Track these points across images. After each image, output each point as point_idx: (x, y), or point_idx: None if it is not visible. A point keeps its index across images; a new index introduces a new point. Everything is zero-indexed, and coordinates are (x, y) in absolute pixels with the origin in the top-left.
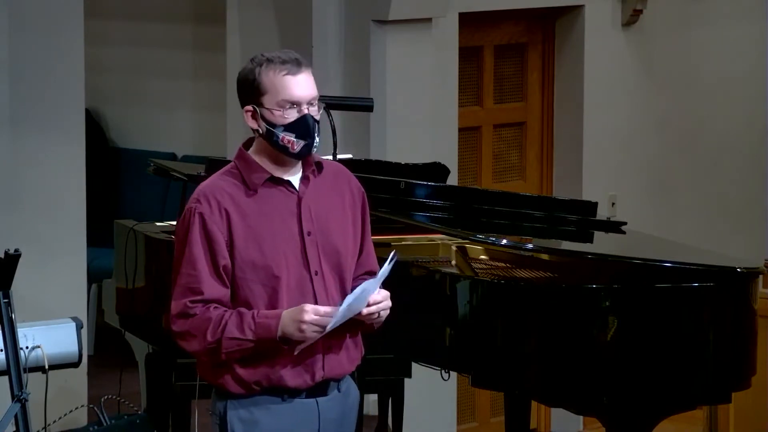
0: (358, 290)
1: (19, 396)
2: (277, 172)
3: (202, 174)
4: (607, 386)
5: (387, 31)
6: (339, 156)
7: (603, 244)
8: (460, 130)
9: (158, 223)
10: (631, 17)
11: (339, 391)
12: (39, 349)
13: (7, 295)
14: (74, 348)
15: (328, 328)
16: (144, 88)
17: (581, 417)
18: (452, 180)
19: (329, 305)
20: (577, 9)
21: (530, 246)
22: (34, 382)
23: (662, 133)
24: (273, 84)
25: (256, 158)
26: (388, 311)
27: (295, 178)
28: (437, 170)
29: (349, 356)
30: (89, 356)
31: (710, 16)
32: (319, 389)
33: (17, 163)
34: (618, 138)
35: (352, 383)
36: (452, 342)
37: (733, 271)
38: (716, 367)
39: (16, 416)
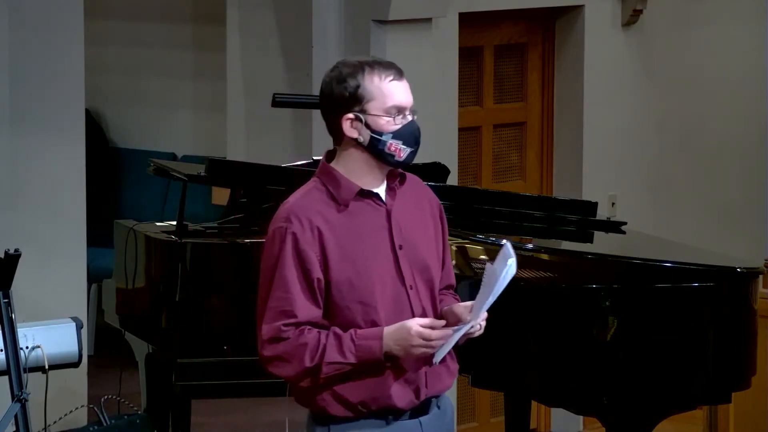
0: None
1: (19, 396)
2: (366, 185)
3: (202, 174)
4: (607, 386)
5: (387, 31)
6: None
7: (603, 244)
8: (460, 130)
9: (158, 223)
10: (631, 17)
11: (438, 408)
12: (39, 349)
13: (7, 295)
14: (74, 348)
15: (439, 355)
16: (144, 88)
17: (581, 417)
18: (452, 180)
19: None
20: (577, 9)
21: (530, 246)
22: (34, 382)
23: (662, 133)
24: (381, 90)
25: (343, 171)
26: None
27: (380, 190)
28: (437, 170)
29: (449, 371)
30: (89, 356)
31: (710, 16)
32: (421, 408)
33: (17, 163)
34: (618, 138)
35: (447, 397)
36: None
37: (733, 271)
38: (716, 367)
39: (16, 416)
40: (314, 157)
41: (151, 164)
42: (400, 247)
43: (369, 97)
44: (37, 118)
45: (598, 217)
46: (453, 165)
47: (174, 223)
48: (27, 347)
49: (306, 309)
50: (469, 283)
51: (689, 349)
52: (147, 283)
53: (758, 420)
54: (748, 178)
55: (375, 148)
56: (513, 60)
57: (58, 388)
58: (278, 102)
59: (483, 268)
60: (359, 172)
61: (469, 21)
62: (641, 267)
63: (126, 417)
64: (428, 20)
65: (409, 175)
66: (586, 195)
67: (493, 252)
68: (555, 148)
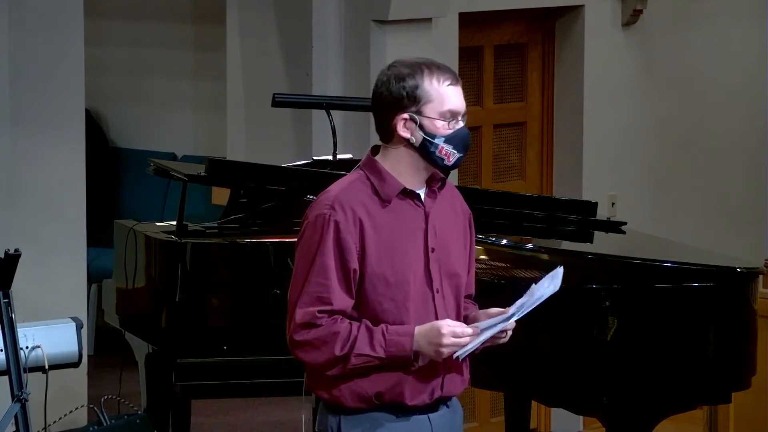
0: (497, 319)
1: (19, 396)
2: (409, 185)
3: (202, 174)
4: (607, 386)
5: (387, 31)
6: (339, 156)
7: (603, 244)
8: None
9: (158, 223)
10: (631, 17)
11: (447, 407)
12: (39, 349)
13: (7, 295)
14: (74, 348)
15: (463, 351)
16: (144, 88)
17: (581, 417)
18: (452, 180)
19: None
20: (577, 9)
21: (530, 246)
22: (34, 382)
23: (662, 133)
24: (439, 93)
25: (388, 168)
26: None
27: (421, 192)
28: None
29: (462, 378)
30: (89, 356)
31: (710, 16)
32: (430, 406)
33: (17, 163)
34: (618, 138)
35: (456, 399)
36: None
37: (733, 271)
38: (716, 367)
39: (16, 416)
40: (314, 157)
41: (151, 164)
42: (432, 250)
43: (426, 99)
44: (37, 118)
45: (598, 217)
46: None
47: (174, 223)
48: (27, 347)
49: (341, 298)
50: None
51: (689, 349)
52: (147, 283)
53: (758, 420)
54: (748, 178)
55: (426, 150)
56: (513, 60)
57: (58, 388)
58: (278, 102)
59: (483, 268)
60: (405, 172)
61: (469, 21)
62: (641, 267)
63: (126, 417)
64: (428, 20)
65: (448, 183)
66: (586, 195)
67: (492, 252)
68: (555, 148)
